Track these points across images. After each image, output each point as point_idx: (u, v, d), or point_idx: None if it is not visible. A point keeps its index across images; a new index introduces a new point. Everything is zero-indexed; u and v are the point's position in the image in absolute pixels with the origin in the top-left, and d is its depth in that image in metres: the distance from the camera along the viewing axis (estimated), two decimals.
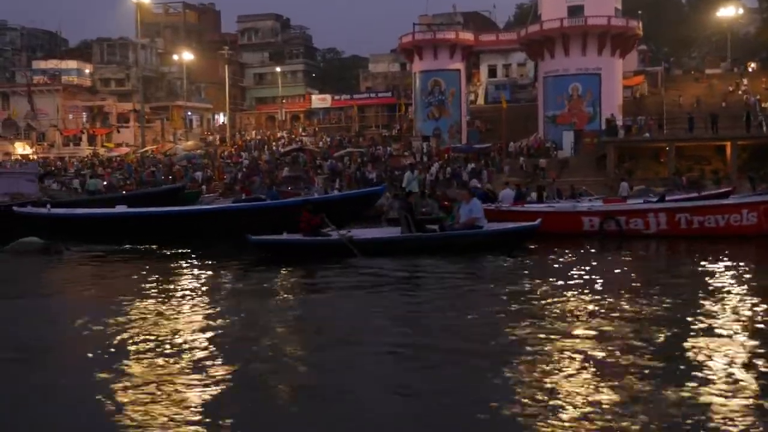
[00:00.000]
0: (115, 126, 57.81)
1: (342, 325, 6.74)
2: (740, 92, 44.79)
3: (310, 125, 60.94)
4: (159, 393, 4.57)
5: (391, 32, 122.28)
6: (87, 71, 64.31)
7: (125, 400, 4.47)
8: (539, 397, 4.25)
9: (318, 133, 56.19)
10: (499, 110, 51.13)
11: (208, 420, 4.11)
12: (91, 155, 52.12)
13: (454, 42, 44.55)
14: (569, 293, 7.76)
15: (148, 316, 7.13)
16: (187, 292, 8.67)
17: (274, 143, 52.40)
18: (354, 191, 17.13)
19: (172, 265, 11.48)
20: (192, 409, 4.31)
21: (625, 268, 10.18)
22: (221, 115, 67.19)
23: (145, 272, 10.66)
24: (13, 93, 60.10)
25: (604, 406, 4.09)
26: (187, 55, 55.23)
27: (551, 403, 4.16)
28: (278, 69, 66.32)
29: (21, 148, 55.99)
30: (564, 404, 4.13)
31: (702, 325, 6.13)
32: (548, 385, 4.47)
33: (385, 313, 7.25)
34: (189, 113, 62.87)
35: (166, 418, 4.13)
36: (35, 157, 53.04)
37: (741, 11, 52.39)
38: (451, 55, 44.66)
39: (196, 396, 4.56)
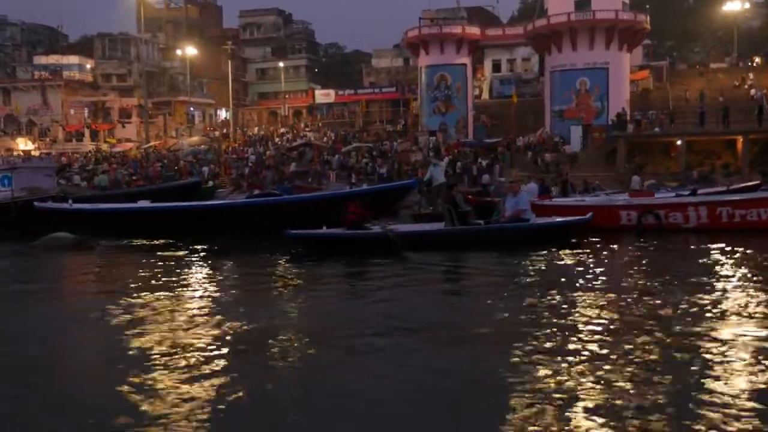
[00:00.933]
0: (121, 122, 57.44)
1: (372, 322, 6.55)
2: (746, 86, 44.73)
3: (313, 121, 60.75)
4: (169, 390, 4.60)
5: (393, 27, 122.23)
6: (88, 66, 63.91)
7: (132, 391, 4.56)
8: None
9: (321, 128, 55.96)
10: (504, 105, 51.21)
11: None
12: (94, 150, 51.79)
13: (461, 36, 44.35)
14: (619, 291, 7.58)
15: (182, 310, 7.14)
16: (223, 288, 8.58)
17: (277, 138, 52.20)
18: (388, 184, 16.94)
19: (208, 260, 11.33)
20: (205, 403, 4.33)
21: (672, 264, 9.91)
22: (223, 110, 66.98)
23: (181, 266, 10.55)
24: (14, 88, 59.72)
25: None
26: (191, 50, 54.82)
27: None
28: (281, 64, 66.09)
29: (23, 144, 55.59)
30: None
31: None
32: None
33: (421, 309, 7.05)
34: (191, 108, 62.55)
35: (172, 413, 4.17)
36: (38, 153, 52.71)
37: (747, 5, 52.19)
38: (457, 50, 44.47)
39: (211, 389, 4.58)
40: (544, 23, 41.29)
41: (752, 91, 42.70)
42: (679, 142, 32.85)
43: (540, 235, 11.23)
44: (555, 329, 5.87)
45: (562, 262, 9.98)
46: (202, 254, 11.92)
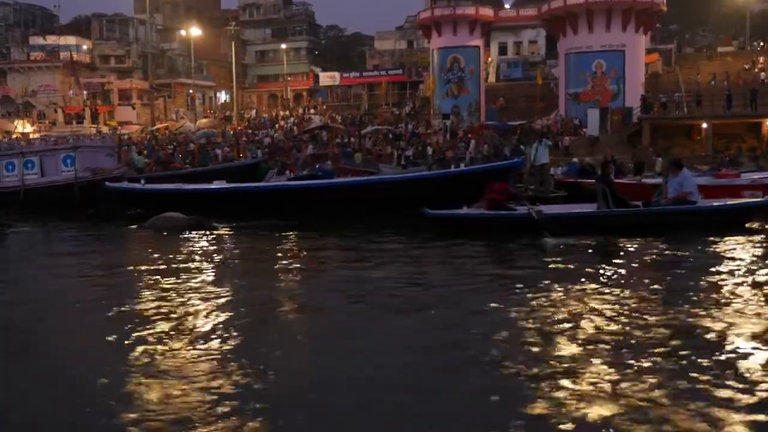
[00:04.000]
0: (131, 104, 56.38)
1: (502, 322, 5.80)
2: (756, 70, 44.72)
3: (312, 103, 60.02)
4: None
5: (394, 9, 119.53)
6: (84, 47, 62.56)
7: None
8: None
9: (326, 111, 55.28)
10: (512, 88, 50.97)
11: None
12: (96, 132, 50.74)
13: (475, 18, 43.83)
14: None
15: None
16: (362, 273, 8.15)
17: (282, 122, 51.53)
18: (494, 163, 16.45)
19: (339, 242, 10.88)
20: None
21: None
22: (222, 92, 66.08)
23: (300, 248, 10.13)
24: (10, 69, 58.43)
25: None
26: (195, 31, 53.72)
27: None
28: (283, 46, 65.04)
29: (21, 127, 54.34)
30: None
31: None
32: None
33: (572, 306, 6.14)
34: (190, 91, 61.53)
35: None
36: (37, 135, 51.56)
37: None
38: (470, 31, 43.99)
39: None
40: (560, 4, 40.84)
41: (762, 75, 42.71)
42: (705, 125, 32.75)
43: (710, 220, 10.35)
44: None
45: (740, 250, 8.97)
46: (335, 235, 11.48)
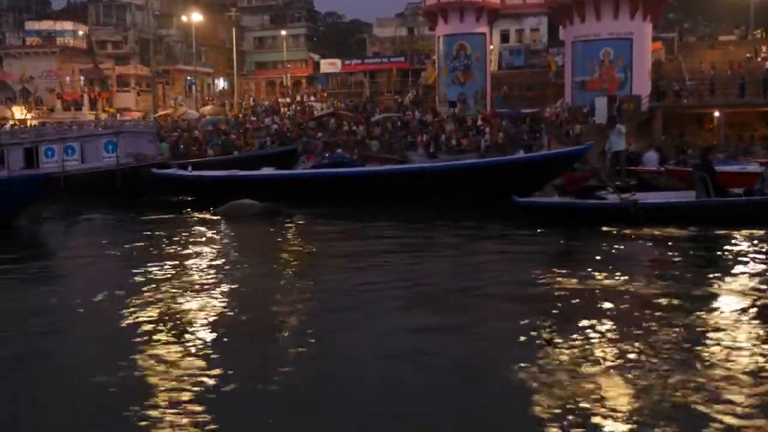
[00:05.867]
0: (140, 90, 55.74)
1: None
2: (759, 59, 44.83)
3: (312, 90, 59.58)
4: None
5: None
6: (80, 33, 61.77)
7: None
8: None
9: (327, 98, 54.92)
10: (515, 75, 50.95)
11: None
12: (95, 119, 50.14)
13: (481, 5, 43.63)
14: None
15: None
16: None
17: (285, 109, 51.14)
18: (563, 149, 16.29)
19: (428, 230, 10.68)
20: None
21: None
22: (221, 79, 65.51)
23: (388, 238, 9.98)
24: (6, 55, 57.59)
25: None
26: (196, 17, 53.13)
27: None
28: (283, 32, 64.49)
29: (19, 113, 53.63)
30: None
31: None
32: None
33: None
34: (189, 78, 60.97)
35: None
36: (35, 122, 50.90)
37: None
38: (477, 19, 43.79)
39: None
40: None
41: (767, 64, 42.82)
42: (717, 114, 32.85)
43: None
44: None
45: None
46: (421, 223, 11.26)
